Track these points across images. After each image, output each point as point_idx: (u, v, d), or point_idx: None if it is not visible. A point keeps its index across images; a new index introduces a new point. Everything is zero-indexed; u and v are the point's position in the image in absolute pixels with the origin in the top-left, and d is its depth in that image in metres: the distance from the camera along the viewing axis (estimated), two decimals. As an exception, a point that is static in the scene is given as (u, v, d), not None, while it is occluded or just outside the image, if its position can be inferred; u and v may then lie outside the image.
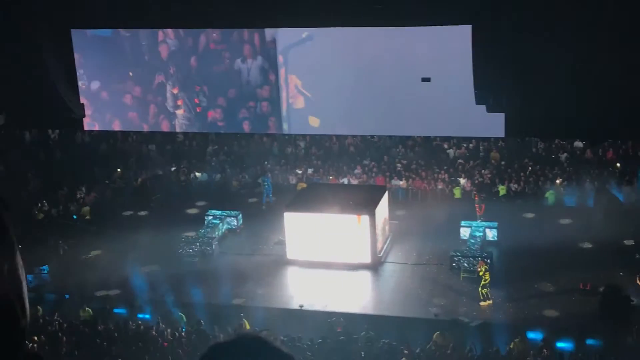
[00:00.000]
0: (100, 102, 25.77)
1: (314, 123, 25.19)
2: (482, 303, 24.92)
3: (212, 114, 25.58)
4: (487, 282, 25.06)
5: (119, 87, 25.56)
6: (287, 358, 2.18)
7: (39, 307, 25.33)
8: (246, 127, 25.92)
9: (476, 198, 31.76)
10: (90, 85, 25.42)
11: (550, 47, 19.30)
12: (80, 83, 24.80)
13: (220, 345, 2.24)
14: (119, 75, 25.58)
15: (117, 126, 26.98)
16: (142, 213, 33.81)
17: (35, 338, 22.56)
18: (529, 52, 19.49)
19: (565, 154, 35.01)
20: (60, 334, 23.53)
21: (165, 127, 26.61)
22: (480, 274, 25.22)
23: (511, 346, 22.10)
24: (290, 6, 20.91)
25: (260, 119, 25.20)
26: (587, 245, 28.47)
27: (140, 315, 25.11)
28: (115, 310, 25.52)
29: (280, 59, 24.38)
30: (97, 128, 28.10)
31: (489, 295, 25.07)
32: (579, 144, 34.86)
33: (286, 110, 24.93)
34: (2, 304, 2.04)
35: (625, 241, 28.24)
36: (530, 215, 31.58)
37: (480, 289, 25.03)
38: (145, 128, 27.51)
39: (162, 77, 25.30)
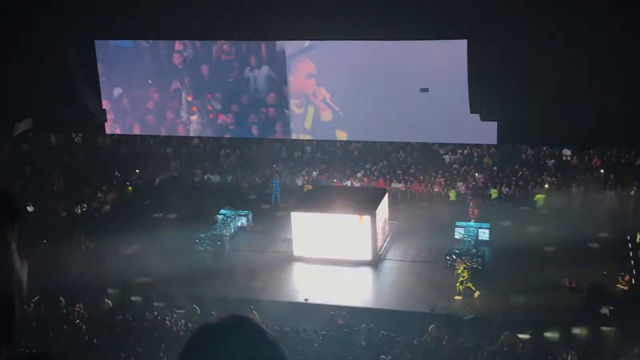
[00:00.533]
0: (121, 107, 25.85)
1: (342, 136, 25.31)
2: (456, 297, 25.08)
3: (223, 118, 25.70)
4: (465, 278, 25.19)
5: (139, 93, 25.63)
6: (271, 344, 2.16)
7: (61, 297, 25.41)
8: (255, 131, 26.05)
9: (471, 202, 31.75)
10: (112, 92, 25.50)
11: (541, 60, 19.32)
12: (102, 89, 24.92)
13: (210, 326, 2.22)
14: (139, 82, 25.66)
15: (136, 130, 27.06)
16: (157, 215, 33.77)
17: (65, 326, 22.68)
18: (520, 64, 19.52)
19: (553, 161, 34.96)
20: (80, 323, 23.60)
21: (181, 131, 26.70)
22: (459, 271, 25.32)
23: (501, 339, 22.06)
24: (297, 19, 20.95)
25: (268, 124, 25.40)
26: (578, 243, 28.37)
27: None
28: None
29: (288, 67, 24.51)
30: (118, 132, 28.19)
31: (474, 288, 25.13)
32: (566, 151, 34.82)
33: (290, 116, 25.08)
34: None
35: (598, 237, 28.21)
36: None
37: (458, 284, 25.12)
38: (163, 132, 27.58)
39: (177, 85, 25.39)
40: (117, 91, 25.61)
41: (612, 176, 33.02)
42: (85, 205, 33.83)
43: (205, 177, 37.28)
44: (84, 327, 23.46)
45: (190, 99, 25.45)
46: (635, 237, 28.08)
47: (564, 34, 18.83)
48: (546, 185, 33.37)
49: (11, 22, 21.75)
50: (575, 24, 18.58)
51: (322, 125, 24.93)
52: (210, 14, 21.36)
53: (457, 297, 25.18)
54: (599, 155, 34.35)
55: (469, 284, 25.23)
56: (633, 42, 18.17)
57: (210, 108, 25.57)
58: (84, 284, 26.53)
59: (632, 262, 26.81)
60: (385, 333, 22.38)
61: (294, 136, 26.50)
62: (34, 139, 36.65)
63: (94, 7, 21.77)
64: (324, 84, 24.39)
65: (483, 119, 20.85)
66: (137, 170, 37.19)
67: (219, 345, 2.13)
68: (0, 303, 2.01)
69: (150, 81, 25.47)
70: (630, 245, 27.91)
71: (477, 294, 25.08)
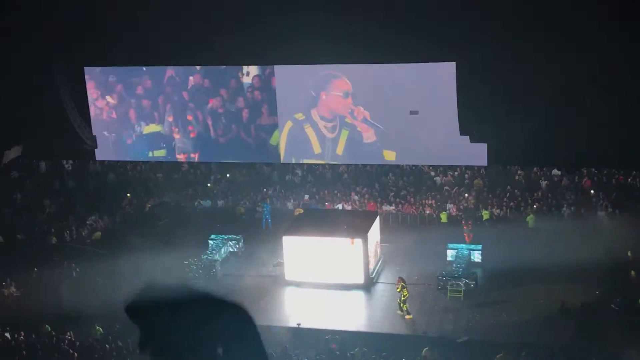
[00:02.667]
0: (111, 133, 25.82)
1: (390, 157, 24.80)
2: (407, 316, 25.12)
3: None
4: (406, 297, 25.23)
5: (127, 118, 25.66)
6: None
7: (46, 325, 25.17)
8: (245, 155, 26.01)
9: (465, 227, 31.71)
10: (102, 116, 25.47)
11: (529, 81, 19.45)
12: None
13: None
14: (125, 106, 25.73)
15: (126, 156, 27.02)
16: (148, 239, 33.60)
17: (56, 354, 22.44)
18: (509, 86, 19.63)
19: (545, 182, 35.07)
20: (72, 351, 23.37)
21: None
22: (398, 290, 25.38)
23: (495, 361, 21.98)
24: (288, 45, 21.07)
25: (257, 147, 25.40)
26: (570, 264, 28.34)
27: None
28: None
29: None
30: (107, 158, 28.16)
31: (408, 311, 25.21)
32: (556, 172, 34.94)
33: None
34: None
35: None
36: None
37: (400, 304, 25.17)
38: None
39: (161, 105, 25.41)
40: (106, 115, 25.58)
41: (602, 196, 33.14)
42: (75, 231, 33.64)
43: (196, 202, 37.19)
44: (75, 354, 23.23)
45: (170, 119, 25.46)
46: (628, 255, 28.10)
47: (553, 55, 18.98)
48: (535, 206, 33.45)
49: None
50: (563, 46, 18.75)
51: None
52: (206, 40, 21.46)
53: (407, 317, 25.20)
54: (589, 175, 34.49)
55: (405, 306, 25.28)
56: (622, 63, 18.33)
57: (191, 128, 25.54)
58: (75, 311, 26.32)
59: (623, 281, 26.81)
60: (377, 357, 22.25)
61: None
62: (23, 167, 36.53)
63: (83, 35, 21.82)
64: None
65: (473, 140, 20.93)
66: (129, 195, 37.05)
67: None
68: None
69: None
70: (619, 265, 27.89)
71: (409, 317, 25.18)
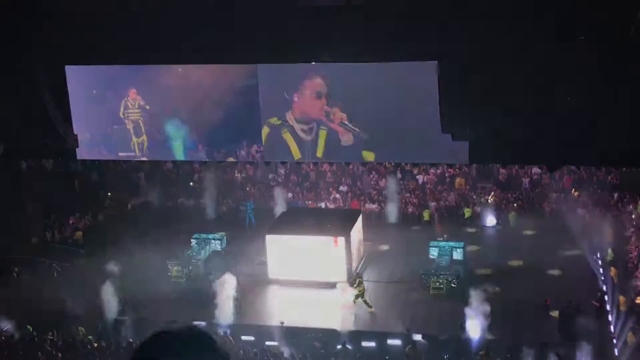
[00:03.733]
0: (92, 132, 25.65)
1: (369, 157, 24.33)
2: (369, 310, 25.63)
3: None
4: (361, 292, 25.69)
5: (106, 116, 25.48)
6: (222, 354, 2.22)
7: (28, 326, 25.05)
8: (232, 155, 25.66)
9: (438, 228, 32.01)
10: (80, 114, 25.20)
11: (511, 79, 19.57)
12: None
13: (166, 333, 2.26)
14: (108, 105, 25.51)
15: (107, 155, 26.79)
16: (130, 240, 33.53)
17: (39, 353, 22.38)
18: (490, 84, 19.75)
19: (528, 179, 35.32)
20: (55, 352, 23.29)
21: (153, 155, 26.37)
22: (355, 285, 25.86)
23: (477, 358, 22.13)
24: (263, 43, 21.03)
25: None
26: (551, 261, 28.61)
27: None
28: None
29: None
30: (88, 157, 27.93)
31: (369, 304, 25.69)
32: (536, 169, 35.21)
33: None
34: None
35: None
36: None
37: (354, 299, 25.61)
38: (139, 156, 26.98)
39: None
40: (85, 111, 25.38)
41: (582, 194, 33.46)
42: (56, 231, 33.49)
43: (179, 201, 37.11)
44: (59, 354, 23.15)
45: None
46: (607, 254, 28.37)
47: (534, 53, 19.12)
48: (515, 205, 33.70)
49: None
50: (545, 44, 18.89)
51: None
52: (190, 38, 21.38)
53: (370, 310, 25.64)
54: (570, 173, 34.78)
55: (365, 299, 25.69)
56: (603, 62, 18.50)
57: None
58: (57, 311, 26.23)
59: (603, 278, 27.09)
60: (361, 355, 22.34)
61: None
62: (4, 166, 36.26)
63: (64, 32, 21.70)
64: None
65: (454, 138, 21.03)
66: (110, 194, 36.89)
67: (169, 352, 2.17)
68: None
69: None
70: (600, 263, 28.19)
71: (371, 309, 25.62)
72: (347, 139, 23.42)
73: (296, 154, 24.50)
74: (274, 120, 23.98)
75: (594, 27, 18.11)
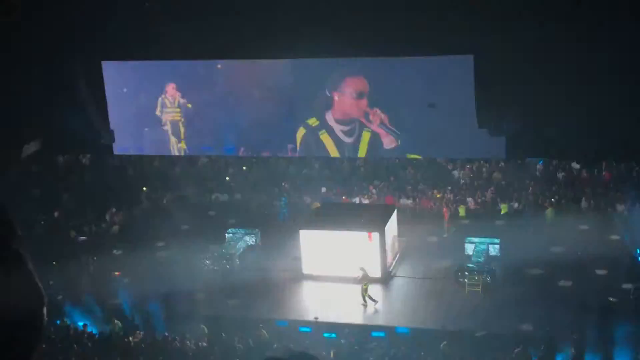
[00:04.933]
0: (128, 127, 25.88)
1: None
2: (363, 303, 25.69)
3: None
4: (366, 287, 25.75)
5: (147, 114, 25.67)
6: None
7: (65, 319, 25.44)
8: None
9: (446, 218, 32.04)
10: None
11: (547, 74, 19.35)
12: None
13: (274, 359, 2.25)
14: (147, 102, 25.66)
15: (144, 150, 27.05)
16: (166, 235, 33.87)
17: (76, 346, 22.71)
18: (527, 79, 19.55)
19: (562, 174, 34.87)
20: (90, 345, 23.60)
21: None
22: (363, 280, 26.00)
23: (514, 355, 21.94)
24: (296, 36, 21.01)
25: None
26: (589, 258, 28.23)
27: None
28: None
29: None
30: (125, 152, 28.21)
31: (372, 299, 25.74)
32: (575, 165, 34.71)
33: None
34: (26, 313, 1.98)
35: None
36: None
37: (363, 296, 25.69)
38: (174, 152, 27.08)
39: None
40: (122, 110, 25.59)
41: (621, 190, 32.94)
42: (94, 226, 33.90)
43: (214, 196, 37.31)
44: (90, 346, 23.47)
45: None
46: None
47: (571, 47, 18.88)
48: (553, 200, 33.28)
49: (19, 44, 21.95)
50: (582, 39, 18.64)
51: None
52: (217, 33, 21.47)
53: (363, 304, 25.77)
54: (609, 169, 34.25)
55: (369, 294, 25.66)
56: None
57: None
58: (93, 304, 26.59)
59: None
60: (396, 351, 22.28)
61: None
62: (42, 160, 36.81)
63: (101, 29, 21.94)
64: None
65: (491, 133, 20.86)
66: (144, 188, 37.22)
67: None
68: (31, 318, 1.99)
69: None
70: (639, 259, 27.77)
71: (375, 303, 25.78)
72: (389, 141, 22.82)
73: (334, 155, 23.83)
74: (312, 121, 23.26)
75: (630, 18, 17.80)
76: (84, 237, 32.80)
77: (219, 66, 23.94)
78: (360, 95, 22.60)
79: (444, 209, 32.48)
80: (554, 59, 19.01)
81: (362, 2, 19.52)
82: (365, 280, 25.91)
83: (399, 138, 22.54)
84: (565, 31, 18.49)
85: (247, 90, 23.77)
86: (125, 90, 24.97)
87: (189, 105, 24.70)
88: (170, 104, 25.02)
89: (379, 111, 22.57)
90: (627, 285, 25.50)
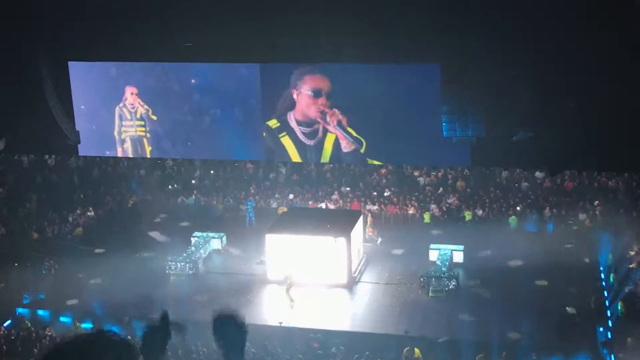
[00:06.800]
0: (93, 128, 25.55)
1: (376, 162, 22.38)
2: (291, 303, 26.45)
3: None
4: (289, 286, 26.41)
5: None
6: (124, 345, 2.37)
7: (27, 321, 25.11)
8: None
9: (370, 223, 32.20)
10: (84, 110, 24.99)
11: (512, 84, 19.57)
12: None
13: (60, 345, 2.41)
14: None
15: (110, 152, 26.73)
16: (130, 237, 33.62)
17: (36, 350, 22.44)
18: (492, 88, 19.75)
19: (526, 183, 35.29)
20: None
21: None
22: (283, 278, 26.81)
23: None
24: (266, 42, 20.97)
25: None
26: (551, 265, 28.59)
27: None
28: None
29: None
30: (90, 154, 27.84)
31: (292, 299, 26.46)
32: (539, 174, 35.16)
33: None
34: None
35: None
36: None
37: (286, 292, 26.48)
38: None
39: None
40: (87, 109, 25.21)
41: (583, 198, 33.45)
42: (57, 227, 33.49)
43: (179, 199, 37.11)
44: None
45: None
46: (607, 259, 28.37)
47: (537, 56, 19.11)
48: (518, 208, 33.67)
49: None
50: (547, 47, 18.88)
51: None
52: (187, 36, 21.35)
53: (291, 303, 26.35)
54: (571, 177, 34.75)
55: (289, 294, 26.38)
56: (605, 65, 18.49)
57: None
58: (54, 307, 26.30)
59: (603, 283, 27.09)
60: (359, 356, 22.33)
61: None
62: (6, 160, 36.28)
63: (68, 29, 21.71)
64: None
65: (456, 141, 21.02)
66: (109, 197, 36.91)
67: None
68: None
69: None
70: (601, 268, 28.20)
71: (292, 304, 26.33)
72: (346, 144, 22.51)
73: (296, 159, 23.41)
74: (273, 123, 22.85)
75: (603, 27, 18.06)
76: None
77: (193, 81, 23.49)
78: (317, 94, 22.26)
79: (369, 218, 32.49)
80: (521, 68, 19.23)
81: (331, 8, 19.54)
82: (289, 281, 26.44)
83: (356, 142, 22.26)
84: (534, 38, 18.72)
85: (213, 93, 23.51)
86: (82, 107, 24.40)
87: (154, 117, 24.16)
88: (130, 116, 24.39)
89: (337, 112, 22.19)
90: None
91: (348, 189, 35.97)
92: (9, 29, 21.75)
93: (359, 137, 22.43)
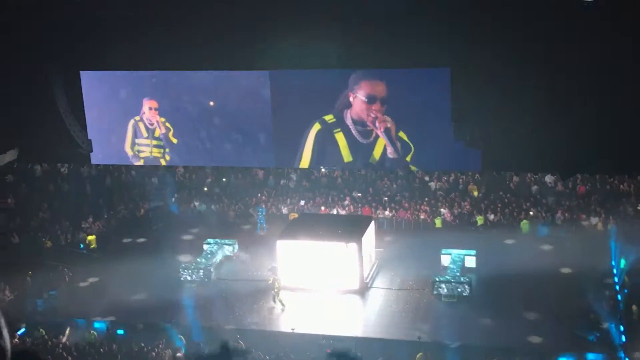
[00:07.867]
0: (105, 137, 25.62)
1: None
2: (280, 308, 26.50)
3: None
4: (277, 290, 26.59)
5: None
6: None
7: (41, 329, 25.17)
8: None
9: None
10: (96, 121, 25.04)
11: (523, 87, 19.51)
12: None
13: (201, 357, 2.40)
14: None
15: (121, 160, 26.77)
16: (141, 240, 33.70)
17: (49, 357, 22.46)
18: (503, 91, 19.69)
19: (536, 187, 35.10)
20: (66, 355, 23.33)
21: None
22: (270, 282, 26.99)
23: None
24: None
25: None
26: (566, 270, 28.44)
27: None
28: (118, 332, 25.31)
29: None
30: (103, 162, 27.92)
31: (282, 304, 26.51)
32: (549, 177, 34.99)
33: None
34: None
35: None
36: (510, 241, 31.61)
37: (274, 298, 26.59)
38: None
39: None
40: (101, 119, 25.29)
41: (596, 202, 33.25)
42: (70, 235, 33.57)
43: (192, 206, 37.14)
44: (69, 358, 23.19)
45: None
46: (620, 263, 28.18)
47: (547, 59, 19.06)
48: (531, 212, 33.50)
49: (-4, 53, 21.79)
50: (558, 50, 18.82)
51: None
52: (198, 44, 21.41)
53: (281, 308, 26.46)
54: (584, 181, 34.56)
55: (280, 298, 26.41)
56: (617, 67, 18.41)
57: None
58: (69, 315, 26.34)
59: (616, 287, 26.91)
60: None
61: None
62: (19, 170, 36.46)
63: (80, 39, 21.81)
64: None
65: (467, 145, 20.95)
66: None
67: None
68: None
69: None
70: (615, 271, 28.02)
71: (283, 309, 26.41)
72: (391, 151, 22.63)
73: (347, 156, 23.35)
74: (329, 118, 22.89)
75: (613, 28, 17.99)
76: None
77: (211, 103, 23.61)
78: (372, 100, 22.44)
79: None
80: (532, 72, 19.18)
81: (347, 14, 19.59)
82: (277, 285, 26.56)
83: (403, 149, 22.36)
84: (544, 41, 18.68)
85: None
86: (94, 116, 24.49)
87: (174, 140, 24.11)
88: (147, 132, 24.33)
89: (388, 119, 22.34)
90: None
91: (360, 194, 35.90)
92: (21, 40, 21.88)
93: (409, 142, 22.49)
